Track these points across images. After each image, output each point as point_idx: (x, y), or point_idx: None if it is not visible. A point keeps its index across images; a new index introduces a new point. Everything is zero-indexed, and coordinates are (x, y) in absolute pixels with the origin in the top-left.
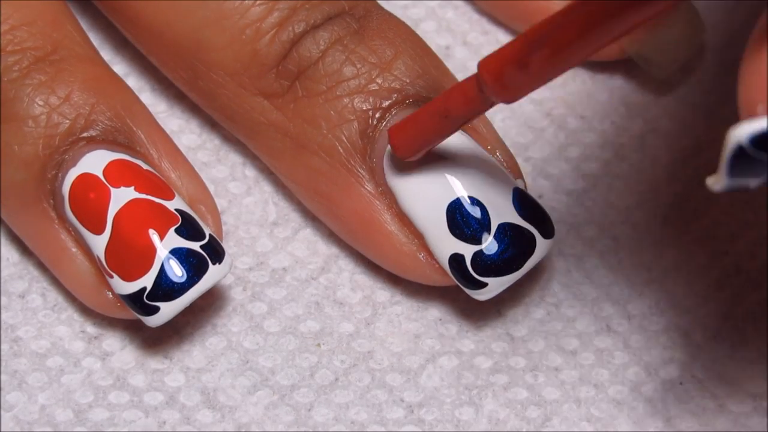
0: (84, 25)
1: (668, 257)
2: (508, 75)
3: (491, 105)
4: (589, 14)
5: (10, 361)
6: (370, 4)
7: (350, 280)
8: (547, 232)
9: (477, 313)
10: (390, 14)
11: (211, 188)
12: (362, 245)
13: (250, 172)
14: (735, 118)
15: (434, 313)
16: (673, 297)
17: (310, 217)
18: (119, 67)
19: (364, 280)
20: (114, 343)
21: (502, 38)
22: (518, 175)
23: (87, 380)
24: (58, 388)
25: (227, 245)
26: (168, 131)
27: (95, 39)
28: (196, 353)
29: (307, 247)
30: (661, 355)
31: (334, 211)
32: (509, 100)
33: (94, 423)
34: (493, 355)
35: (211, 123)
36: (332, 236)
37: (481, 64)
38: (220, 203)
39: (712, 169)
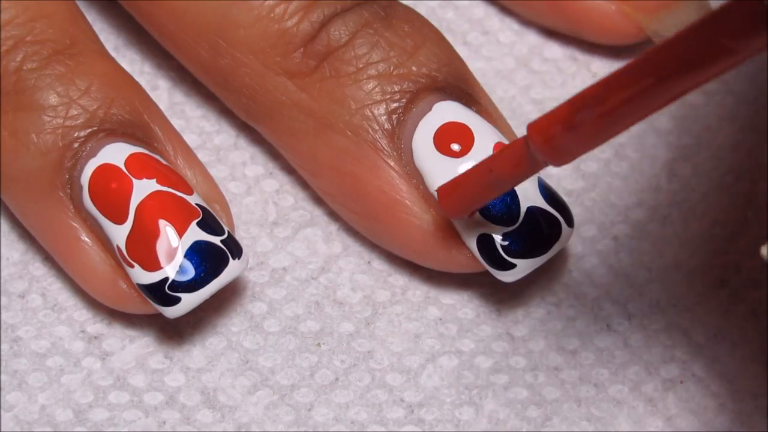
0: None
1: (668, 256)
2: (557, 137)
3: (542, 167)
4: (640, 78)
5: (10, 361)
6: None
7: (350, 279)
8: (569, 220)
9: (477, 313)
10: (410, 8)
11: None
12: (385, 225)
13: (250, 172)
14: (734, 117)
15: (434, 312)
16: (674, 296)
17: (311, 217)
18: None
19: (364, 279)
20: (114, 343)
21: (503, 39)
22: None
23: (87, 380)
24: (58, 388)
25: None
26: None
27: None
28: (196, 353)
29: (307, 246)
30: (662, 354)
31: (358, 191)
32: (558, 163)
33: (94, 423)
34: (493, 355)
35: (211, 123)
36: (332, 236)
37: (530, 126)
38: None
39: (712, 168)
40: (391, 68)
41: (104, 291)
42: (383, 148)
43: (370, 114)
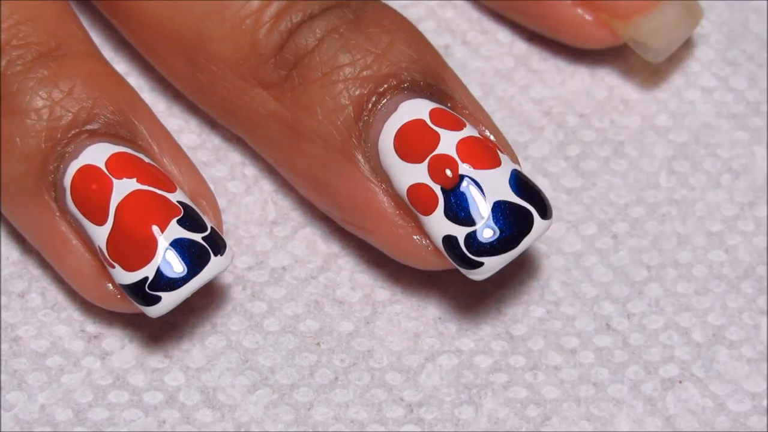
0: (84, 24)
1: (668, 255)
2: None
3: None
4: None
5: (10, 360)
6: None
7: (350, 279)
8: (544, 211)
9: (476, 312)
10: (386, 4)
11: (211, 187)
12: (360, 229)
13: (250, 171)
14: (733, 115)
15: (434, 311)
16: (673, 295)
17: (310, 216)
18: (119, 66)
19: (363, 278)
20: (113, 342)
21: (502, 38)
22: (515, 160)
23: (87, 380)
24: (57, 388)
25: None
26: None
27: (95, 38)
28: (196, 352)
29: (307, 246)
30: (661, 354)
31: (332, 197)
32: None
33: (94, 422)
34: (492, 354)
35: (210, 123)
36: (332, 235)
37: None
38: (220, 202)
39: (710, 165)
40: (358, 71)
41: (92, 292)
42: (351, 152)
43: (336, 119)
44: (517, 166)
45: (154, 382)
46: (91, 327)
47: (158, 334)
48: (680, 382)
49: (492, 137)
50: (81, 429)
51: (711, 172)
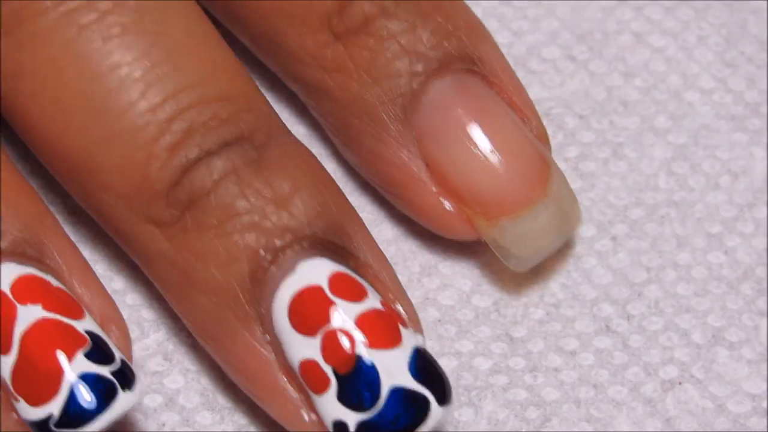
0: None
1: (667, 257)
2: None
3: None
4: None
5: None
6: (273, 129)
7: None
8: (443, 397)
9: (476, 314)
10: (295, 142)
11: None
12: (251, 395)
13: None
14: (732, 116)
15: (433, 314)
16: (672, 297)
17: None
18: None
19: None
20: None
21: (501, 39)
22: (419, 330)
23: None
24: None
25: None
26: None
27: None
28: (195, 355)
29: None
30: (661, 356)
31: (222, 356)
32: None
33: None
34: (492, 356)
35: None
36: None
37: None
38: None
39: (709, 167)
40: (255, 221)
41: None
42: (242, 313)
43: (229, 274)
44: (420, 341)
45: (153, 384)
46: None
47: (158, 337)
48: (680, 383)
49: (398, 306)
50: None
51: (710, 173)
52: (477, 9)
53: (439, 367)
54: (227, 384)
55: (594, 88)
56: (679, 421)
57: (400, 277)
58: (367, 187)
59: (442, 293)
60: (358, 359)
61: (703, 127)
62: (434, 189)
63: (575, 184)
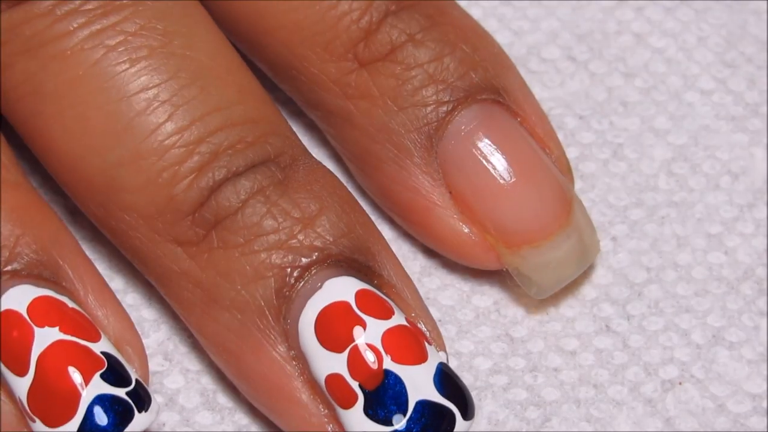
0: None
1: (667, 257)
2: None
3: None
4: None
5: None
6: (297, 152)
7: None
8: (466, 411)
9: (476, 314)
10: (318, 164)
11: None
12: (269, 410)
13: None
14: (732, 117)
15: (434, 314)
16: (673, 297)
17: None
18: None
19: None
20: None
21: (501, 39)
22: (442, 347)
23: None
24: None
25: None
26: None
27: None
28: (196, 355)
29: None
30: (661, 356)
31: (243, 372)
32: None
33: None
34: (492, 356)
35: None
36: None
37: None
38: None
39: (709, 167)
40: (282, 240)
41: None
42: (267, 329)
43: (255, 291)
44: (443, 358)
45: (154, 384)
46: None
47: (158, 337)
48: (680, 383)
49: (421, 324)
50: None
51: (710, 174)
52: (477, 9)
53: (462, 383)
54: (227, 384)
55: (594, 88)
56: (680, 421)
57: None
58: (365, 190)
59: (443, 293)
60: (386, 374)
61: (703, 128)
62: (456, 216)
63: (576, 184)
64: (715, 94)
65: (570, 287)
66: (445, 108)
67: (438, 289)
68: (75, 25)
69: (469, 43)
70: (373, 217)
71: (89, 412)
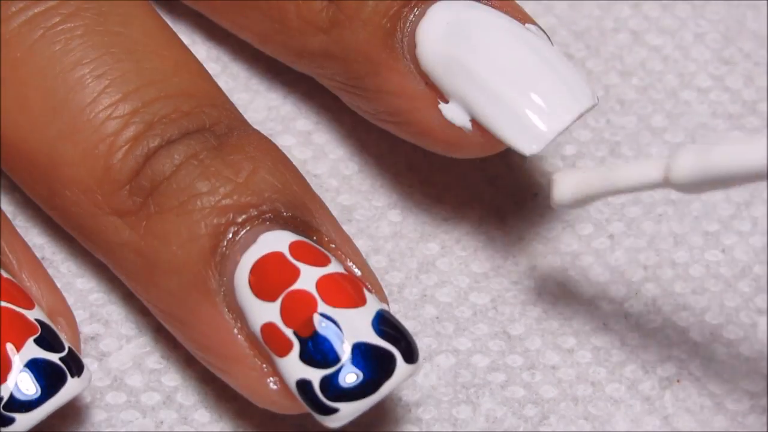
0: None
1: (664, 255)
2: None
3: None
4: None
5: None
6: (234, 122)
7: None
8: (409, 354)
9: (474, 312)
10: (255, 131)
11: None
12: (216, 369)
13: None
14: (729, 114)
15: (431, 311)
16: (670, 295)
17: None
18: None
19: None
20: (111, 343)
21: None
22: (383, 298)
23: None
24: None
25: None
26: None
27: None
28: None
29: None
30: (659, 353)
31: (189, 335)
32: None
33: (92, 424)
34: (489, 354)
35: None
36: None
37: None
38: None
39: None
40: (216, 200)
41: None
42: (205, 287)
43: (191, 251)
44: (384, 306)
45: (151, 382)
46: (88, 328)
47: (155, 335)
48: (678, 381)
49: (359, 273)
50: (79, 430)
51: None
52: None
53: (404, 328)
54: (225, 382)
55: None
56: (677, 419)
57: (397, 274)
58: (363, 185)
59: (440, 290)
60: (319, 319)
61: (701, 126)
62: (438, 101)
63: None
64: (712, 92)
65: (568, 285)
66: (400, 3)
67: (435, 286)
68: (14, 10)
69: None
70: (373, 212)
71: (19, 377)
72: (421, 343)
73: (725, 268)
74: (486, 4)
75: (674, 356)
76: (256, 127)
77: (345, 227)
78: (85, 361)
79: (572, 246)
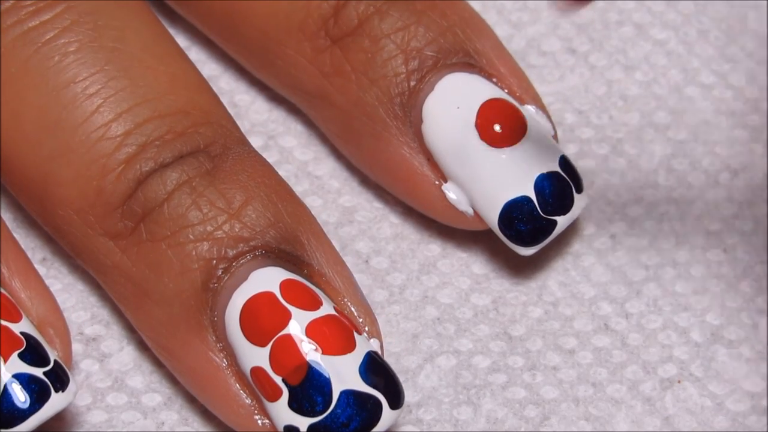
0: None
1: (666, 254)
2: None
3: None
4: None
5: None
6: (230, 141)
7: None
8: (395, 400)
9: (475, 313)
10: (251, 152)
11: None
12: (205, 402)
13: None
14: (732, 112)
15: (432, 312)
16: (671, 295)
17: None
18: None
19: (361, 279)
20: (112, 344)
21: (500, 32)
22: (374, 334)
23: (85, 382)
24: None
25: None
26: None
27: None
28: None
29: None
30: (659, 354)
31: (175, 367)
32: None
33: (93, 425)
34: (491, 355)
35: None
36: (329, 236)
37: None
38: None
39: (709, 164)
40: (208, 231)
41: None
42: (195, 322)
43: (182, 284)
44: (374, 346)
45: (152, 383)
46: (90, 329)
47: None
48: (679, 381)
49: (353, 310)
50: (79, 431)
51: (709, 170)
52: (476, 3)
53: (392, 371)
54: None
55: (594, 82)
56: (678, 420)
57: (398, 275)
58: (364, 186)
59: (441, 291)
60: (309, 367)
61: (703, 123)
62: (437, 182)
63: None
64: (715, 88)
65: (569, 284)
66: (415, 77)
67: (437, 287)
68: (9, 23)
69: (436, 9)
70: (375, 213)
71: (5, 390)
72: (422, 345)
73: (727, 268)
74: (493, 80)
75: (675, 357)
76: (257, 127)
77: (346, 228)
78: (86, 362)
79: (574, 246)
